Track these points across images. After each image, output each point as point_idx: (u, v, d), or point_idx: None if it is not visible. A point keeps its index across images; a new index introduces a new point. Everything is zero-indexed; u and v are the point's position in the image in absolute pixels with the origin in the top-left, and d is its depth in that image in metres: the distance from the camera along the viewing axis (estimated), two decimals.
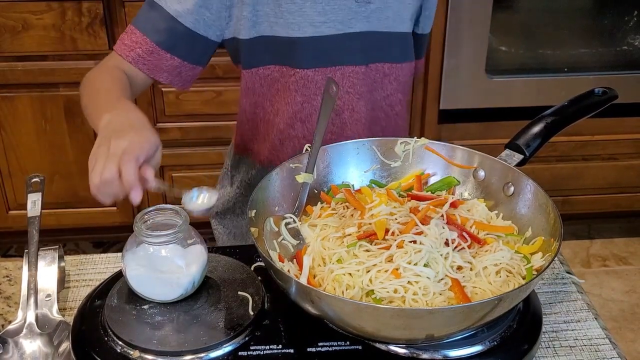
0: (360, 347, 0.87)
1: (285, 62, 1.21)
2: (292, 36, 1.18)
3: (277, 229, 0.97)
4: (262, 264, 0.97)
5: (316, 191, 1.06)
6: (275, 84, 1.23)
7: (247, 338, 0.88)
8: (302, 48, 1.19)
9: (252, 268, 0.98)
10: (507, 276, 0.90)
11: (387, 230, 0.92)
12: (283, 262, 0.93)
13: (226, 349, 0.86)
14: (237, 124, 1.35)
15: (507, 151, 1.06)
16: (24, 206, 1.06)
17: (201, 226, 0.98)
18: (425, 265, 0.87)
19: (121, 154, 0.85)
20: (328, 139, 1.15)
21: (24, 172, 2.22)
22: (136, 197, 0.85)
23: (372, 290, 0.86)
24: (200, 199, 0.92)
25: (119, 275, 0.96)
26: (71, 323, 0.91)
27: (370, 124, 1.28)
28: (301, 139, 1.24)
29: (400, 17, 1.23)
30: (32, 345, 0.90)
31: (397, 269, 0.86)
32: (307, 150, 1.06)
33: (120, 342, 0.86)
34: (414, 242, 0.89)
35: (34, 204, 1.01)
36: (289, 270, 0.91)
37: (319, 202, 1.05)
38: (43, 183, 1.04)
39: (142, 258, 0.89)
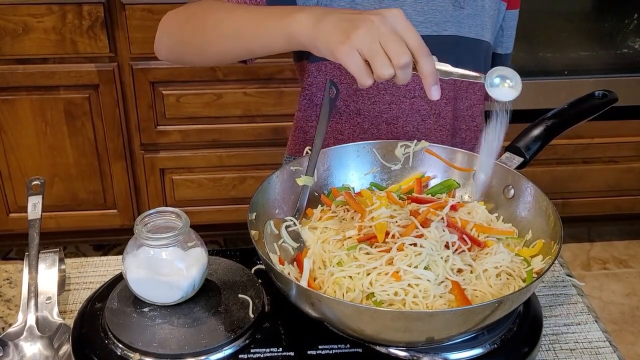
0: (360, 350, 0.87)
1: None
2: None
3: (277, 232, 0.97)
4: (263, 266, 0.97)
5: (316, 194, 1.06)
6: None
7: (247, 341, 0.88)
8: None
9: (253, 271, 0.98)
10: (508, 279, 0.90)
11: (387, 233, 0.92)
12: (283, 265, 0.93)
13: (226, 351, 0.86)
14: (295, 126, 1.30)
15: (507, 154, 1.06)
16: (24, 209, 1.06)
17: (201, 229, 0.98)
18: (425, 268, 0.87)
19: (410, 40, 0.80)
20: None
21: (24, 174, 2.22)
22: (437, 93, 0.81)
23: (373, 293, 0.86)
24: (507, 84, 0.83)
25: (119, 278, 0.96)
26: (71, 326, 0.91)
27: (453, 134, 1.27)
28: None
29: (486, 27, 1.22)
30: (32, 348, 0.90)
31: (397, 272, 0.86)
32: (307, 152, 1.06)
33: (120, 345, 0.86)
34: (414, 244, 0.89)
35: (34, 206, 1.01)
36: (289, 273, 0.91)
37: (320, 205, 1.05)
38: (43, 186, 1.03)
39: (143, 261, 0.89)
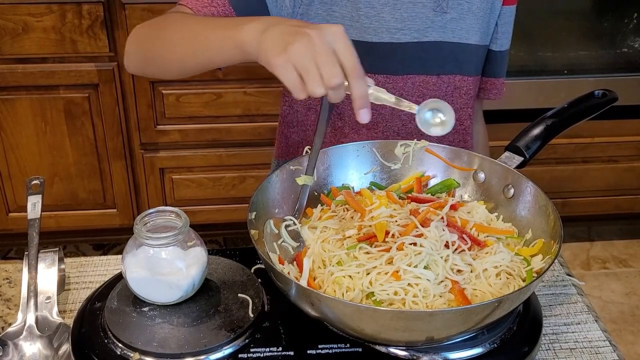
0: (360, 350, 0.87)
1: None
2: (367, 41, 1.15)
3: (277, 231, 0.97)
4: (262, 266, 0.97)
5: (316, 193, 1.06)
6: None
7: (247, 340, 0.88)
8: (375, 53, 1.15)
9: (252, 270, 0.98)
10: (507, 278, 0.90)
11: (387, 233, 0.92)
12: (283, 264, 0.93)
13: (226, 351, 0.86)
14: (279, 130, 1.30)
15: (507, 153, 1.06)
16: (24, 208, 1.06)
17: (201, 228, 0.98)
18: (425, 268, 0.87)
19: (346, 60, 0.79)
20: None
21: (24, 174, 2.22)
22: (367, 117, 0.81)
23: (372, 293, 0.86)
24: (438, 119, 0.84)
25: (119, 278, 0.96)
26: (71, 325, 0.91)
27: (440, 138, 1.27)
28: None
29: (473, 29, 1.21)
30: (32, 347, 0.90)
31: (397, 271, 0.86)
32: (307, 152, 1.06)
33: (120, 345, 0.86)
34: (414, 244, 0.89)
35: (34, 206, 1.01)
36: (289, 273, 0.91)
37: (319, 204, 1.05)
38: (43, 185, 1.03)
39: (142, 260, 0.89)
